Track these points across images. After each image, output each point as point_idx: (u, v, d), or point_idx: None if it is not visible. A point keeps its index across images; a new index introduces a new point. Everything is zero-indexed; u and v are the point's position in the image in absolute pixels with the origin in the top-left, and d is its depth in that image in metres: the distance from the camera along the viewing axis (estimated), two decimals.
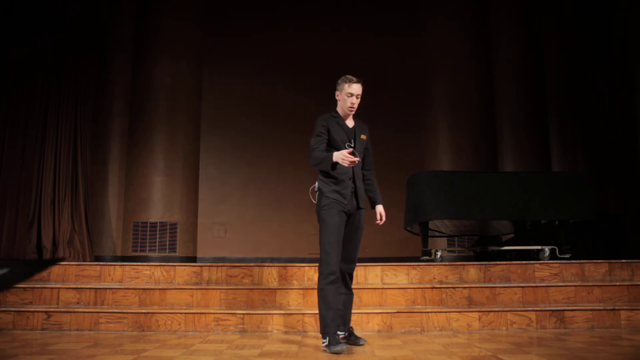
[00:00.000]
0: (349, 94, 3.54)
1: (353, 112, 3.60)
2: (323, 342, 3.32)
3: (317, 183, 3.53)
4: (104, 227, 7.31)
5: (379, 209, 3.70)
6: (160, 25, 7.64)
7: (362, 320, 4.22)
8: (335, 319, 3.37)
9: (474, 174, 5.83)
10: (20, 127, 5.95)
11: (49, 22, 6.42)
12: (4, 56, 5.94)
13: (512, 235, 6.71)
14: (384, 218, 3.69)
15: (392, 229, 8.06)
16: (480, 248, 6.53)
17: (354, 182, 3.49)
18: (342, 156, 3.26)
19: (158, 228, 7.14)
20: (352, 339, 3.51)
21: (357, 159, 3.27)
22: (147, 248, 7.06)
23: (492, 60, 8.03)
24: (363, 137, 3.61)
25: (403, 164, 8.04)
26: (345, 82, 3.59)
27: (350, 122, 3.62)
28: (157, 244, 7.08)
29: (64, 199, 6.40)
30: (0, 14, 5.92)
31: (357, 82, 3.61)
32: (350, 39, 8.55)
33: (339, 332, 3.44)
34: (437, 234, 6.48)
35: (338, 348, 3.20)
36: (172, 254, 7.11)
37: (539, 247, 5.57)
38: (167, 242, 7.13)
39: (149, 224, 7.14)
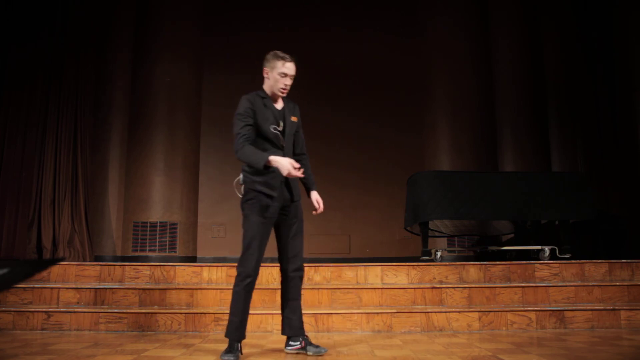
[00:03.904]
0: (282, 74, 3.10)
1: (284, 95, 3.18)
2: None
3: (241, 175, 3.17)
4: (104, 227, 7.30)
5: (315, 195, 3.27)
6: (160, 25, 7.64)
7: (362, 320, 4.22)
8: (242, 327, 3.08)
9: (473, 174, 5.83)
10: (20, 127, 5.96)
11: (49, 22, 6.42)
12: (4, 56, 5.95)
13: (512, 235, 6.71)
14: (321, 206, 3.26)
15: (394, 228, 8.08)
16: (480, 248, 6.53)
17: None
18: (287, 168, 2.86)
19: (158, 228, 7.14)
20: (313, 349, 3.15)
21: (300, 174, 2.91)
22: (147, 248, 7.06)
23: (492, 60, 8.03)
24: (294, 119, 3.22)
25: (403, 164, 8.04)
26: (278, 59, 3.12)
27: (279, 104, 3.20)
28: (157, 244, 7.08)
29: (64, 199, 6.40)
30: (0, 14, 5.92)
31: (292, 60, 3.14)
32: (350, 39, 8.55)
33: (292, 343, 3.22)
34: (437, 234, 6.48)
35: (225, 358, 2.98)
36: (172, 254, 7.11)
37: (539, 247, 5.57)
38: (167, 242, 7.13)
39: (149, 224, 7.14)
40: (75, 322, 4.23)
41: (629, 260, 4.84)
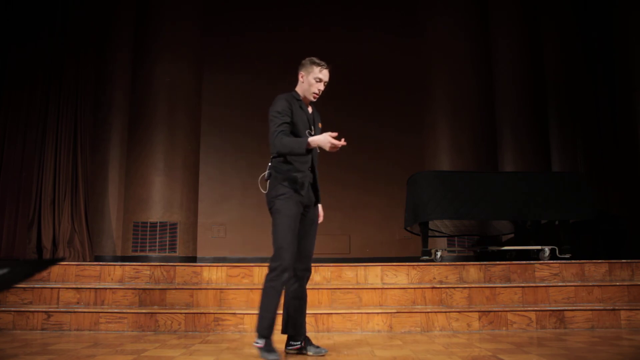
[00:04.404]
0: (318, 79, 3.21)
1: (315, 100, 3.28)
2: (257, 343, 3.00)
3: (268, 171, 3.17)
4: (104, 227, 7.30)
5: (319, 208, 3.34)
6: (161, 26, 7.63)
7: (362, 320, 4.22)
8: (274, 323, 3.03)
9: (473, 174, 5.83)
10: (20, 127, 5.96)
11: (49, 22, 6.42)
12: (4, 56, 5.94)
13: (512, 235, 6.71)
14: (321, 218, 3.35)
15: (394, 228, 8.08)
16: (480, 248, 6.53)
17: (313, 172, 3.19)
18: (328, 141, 2.90)
19: (158, 228, 7.14)
20: (314, 349, 3.16)
21: (343, 143, 2.92)
22: (147, 248, 7.06)
23: (492, 60, 8.03)
24: (320, 125, 3.33)
25: (403, 164, 8.04)
26: (316, 65, 3.21)
27: (309, 109, 3.30)
28: (157, 244, 7.08)
29: (64, 199, 6.40)
30: (0, 14, 5.92)
31: (327, 68, 3.25)
32: (350, 39, 8.55)
33: (292, 343, 3.22)
34: (437, 234, 6.48)
35: (272, 357, 2.92)
36: (172, 254, 7.11)
37: (539, 247, 5.57)
38: (167, 242, 7.13)
39: (149, 224, 7.14)
40: (75, 322, 4.23)
41: (629, 260, 4.84)
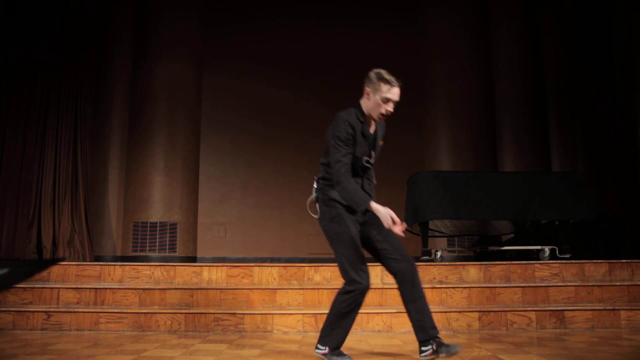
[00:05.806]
0: (386, 99, 2.89)
1: (382, 121, 2.97)
2: (318, 350, 2.90)
3: (315, 193, 2.96)
4: (104, 227, 7.30)
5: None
6: (160, 25, 7.63)
7: (362, 320, 4.22)
8: (344, 339, 2.91)
9: (474, 174, 5.82)
10: (20, 127, 5.95)
11: (49, 22, 6.42)
12: (4, 56, 5.94)
13: (512, 235, 6.70)
14: None
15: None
16: (480, 248, 6.53)
17: (363, 190, 2.93)
18: (387, 221, 2.69)
19: (158, 228, 7.14)
20: (445, 350, 2.79)
21: (400, 233, 2.69)
22: (147, 248, 7.06)
23: (492, 59, 8.03)
24: (381, 143, 3.06)
25: (403, 164, 8.03)
26: (384, 82, 2.90)
27: (372, 127, 2.99)
28: (157, 244, 7.08)
29: (64, 199, 6.40)
30: (1, 14, 5.92)
31: (398, 85, 2.92)
32: (350, 39, 8.55)
33: (424, 349, 2.85)
34: (437, 234, 6.47)
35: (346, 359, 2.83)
36: (172, 254, 7.11)
37: (539, 247, 5.57)
38: (167, 242, 7.13)
39: (149, 224, 7.14)
40: (75, 322, 4.23)
41: (629, 260, 4.84)
